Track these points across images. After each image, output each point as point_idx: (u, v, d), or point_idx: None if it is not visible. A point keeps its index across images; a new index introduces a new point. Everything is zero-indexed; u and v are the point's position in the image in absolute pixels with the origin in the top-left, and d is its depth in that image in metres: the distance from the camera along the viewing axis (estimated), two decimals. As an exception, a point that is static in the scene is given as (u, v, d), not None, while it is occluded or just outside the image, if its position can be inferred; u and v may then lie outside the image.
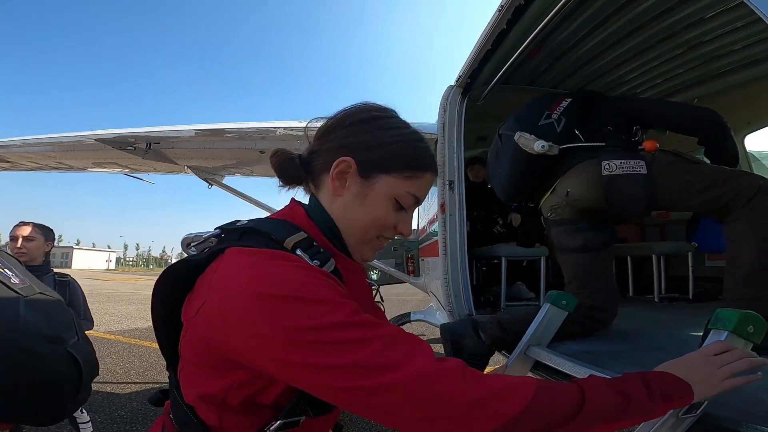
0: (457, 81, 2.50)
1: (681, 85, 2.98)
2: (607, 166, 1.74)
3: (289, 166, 0.83)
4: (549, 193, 1.98)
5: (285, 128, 3.74)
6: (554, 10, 1.73)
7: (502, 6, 1.89)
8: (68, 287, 2.61)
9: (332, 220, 0.80)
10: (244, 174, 5.72)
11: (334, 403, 0.62)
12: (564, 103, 1.93)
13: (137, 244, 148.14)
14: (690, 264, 3.23)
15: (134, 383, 4.48)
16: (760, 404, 0.97)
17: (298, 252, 0.70)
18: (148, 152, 4.48)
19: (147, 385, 4.42)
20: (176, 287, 0.73)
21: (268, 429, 0.70)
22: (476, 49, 2.18)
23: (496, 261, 3.17)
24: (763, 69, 2.74)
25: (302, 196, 0.87)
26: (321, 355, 0.58)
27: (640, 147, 1.80)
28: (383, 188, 0.78)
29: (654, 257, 3.26)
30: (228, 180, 5.73)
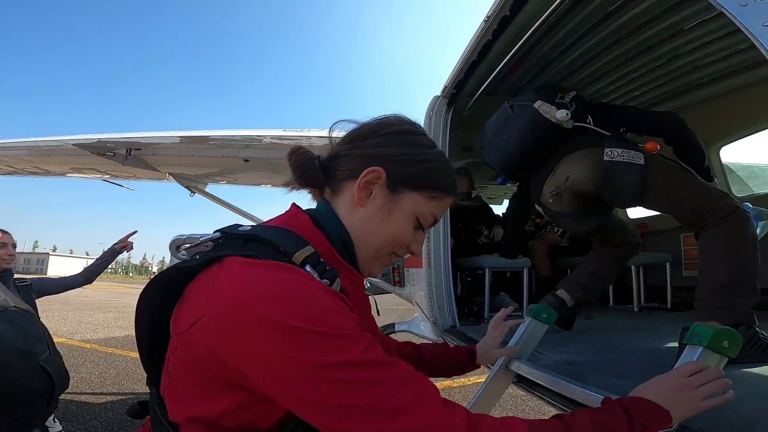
0: (442, 91, 2.53)
1: (660, 96, 3.06)
2: (610, 153, 1.84)
3: (310, 167, 0.78)
4: (550, 176, 2.05)
5: (271, 137, 3.72)
6: (538, 22, 1.78)
7: (488, 17, 1.92)
8: (31, 290, 2.58)
9: (347, 231, 0.76)
10: (227, 182, 5.66)
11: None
12: (572, 93, 2.03)
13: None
14: (668, 274, 3.33)
15: (110, 394, 4.34)
16: (737, 415, 0.99)
17: (308, 268, 0.65)
18: (128, 158, 4.41)
19: (123, 396, 4.29)
20: (165, 297, 0.67)
21: None
22: (462, 59, 2.21)
23: (480, 272, 3.19)
24: (738, 81, 2.83)
25: (301, 200, 0.83)
26: (332, 394, 0.55)
27: (641, 145, 1.90)
28: (408, 205, 0.76)
29: (633, 268, 3.34)
30: (211, 188, 5.67)
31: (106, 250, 3.31)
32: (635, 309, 3.31)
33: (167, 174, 5.15)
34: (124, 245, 3.23)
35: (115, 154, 4.34)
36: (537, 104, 1.97)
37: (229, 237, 0.70)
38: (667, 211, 1.92)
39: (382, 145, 0.76)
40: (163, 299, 0.68)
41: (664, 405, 0.69)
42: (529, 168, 2.15)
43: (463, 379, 4.98)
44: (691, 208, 1.73)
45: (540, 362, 1.57)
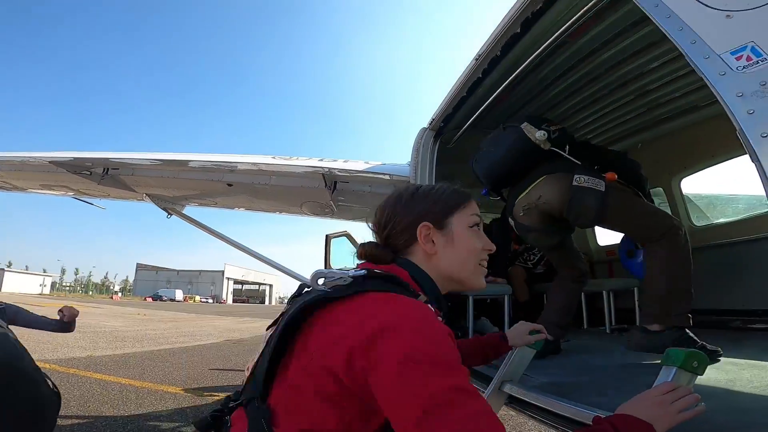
0: (430, 124, 2.67)
1: (628, 131, 3.33)
2: (578, 179, 2.15)
3: (382, 254, 0.99)
4: (524, 193, 2.35)
5: (253, 163, 3.75)
6: (526, 62, 1.96)
7: (479, 56, 2.09)
8: (4, 314, 2.39)
9: (430, 278, 0.96)
10: (206, 205, 5.60)
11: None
12: (561, 127, 2.33)
13: (76, 269, 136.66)
14: (636, 297, 3.52)
15: (76, 417, 4.08)
16: (708, 424, 1.10)
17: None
18: (105, 178, 4.31)
19: (89, 419, 4.04)
20: (304, 317, 0.83)
21: None
22: (451, 95, 2.37)
23: (461, 297, 3.29)
24: (697, 117, 3.11)
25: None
26: (439, 412, 0.65)
27: (603, 174, 2.21)
28: (459, 227, 0.99)
29: (604, 293, 3.53)
30: (188, 210, 5.60)
31: (56, 321, 2.94)
32: (607, 330, 3.48)
33: (144, 195, 5.05)
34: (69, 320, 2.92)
35: (91, 173, 4.24)
36: (523, 125, 2.26)
37: (371, 276, 0.88)
38: (620, 230, 2.28)
39: (410, 212, 1.00)
40: (302, 317, 0.83)
41: (647, 420, 0.79)
42: (509, 183, 2.43)
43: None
44: (639, 227, 2.14)
45: (529, 384, 1.66)
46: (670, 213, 3.08)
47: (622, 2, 1.79)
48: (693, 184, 3.73)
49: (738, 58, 0.79)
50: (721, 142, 3.21)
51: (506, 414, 4.19)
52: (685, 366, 0.87)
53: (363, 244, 1.02)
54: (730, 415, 1.24)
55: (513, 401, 1.54)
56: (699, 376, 0.89)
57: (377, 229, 1.05)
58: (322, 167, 3.10)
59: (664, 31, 0.94)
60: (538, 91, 2.64)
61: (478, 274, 1.01)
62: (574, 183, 2.14)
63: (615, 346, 2.79)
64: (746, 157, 2.93)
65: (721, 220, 3.73)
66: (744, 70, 0.77)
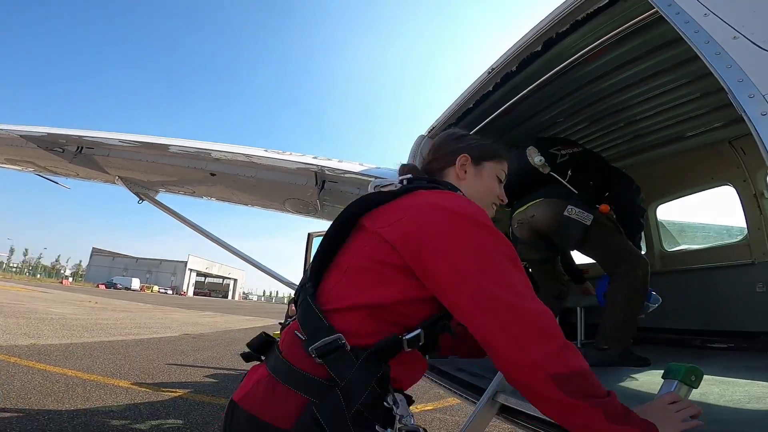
0: (429, 132, 2.69)
1: (616, 155, 3.47)
2: (570, 210, 2.40)
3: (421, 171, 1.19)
4: (521, 209, 2.60)
5: (243, 154, 3.65)
6: (539, 81, 2.02)
7: (492, 69, 2.13)
8: None
9: (460, 191, 1.10)
10: (182, 193, 5.42)
11: (470, 306, 0.83)
12: (575, 149, 2.55)
13: (26, 250, 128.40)
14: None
15: (15, 410, 3.76)
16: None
17: None
18: (77, 156, 4.12)
19: (30, 413, 3.70)
20: (363, 212, 0.98)
21: (404, 337, 0.89)
22: (456, 105, 2.40)
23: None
24: (680, 146, 3.29)
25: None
26: (493, 268, 0.84)
27: (597, 205, 2.47)
28: (489, 170, 1.19)
29: (578, 309, 3.66)
30: (162, 197, 5.40)
31: None
32: (578, 345, 3.60)
33: (117, 177, 4.84)
34: None
35: (64, 150, 4.04)
36: (528, 148, 2.46)
37: (417, 179, 1.08)
38: (593, 258, 2.57)
39: (458, 143, 1.21)
40: (361, 211, 0.99)
41: (654, 422, 0.86)
42: (512, 198, 2.58)
43: (435, 403, 5.00)
44: (609, 260, 2.45)
45: (519, 394, 1.69)
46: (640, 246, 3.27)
47: (657, 26, 1.84)
48: (667, 211, 3.94)
49: None
50: (699, 173, 3.40)
51: (499, 425, 4.23)
52: (685, 380, 0.95)
53: (405, 164, 1.18)
54: (710, 426, 1.31)
55: (505, 411, 1.56)
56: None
57: (430, 151, 1.24)
58: (316, 165, 3.06)
59: (710, 66, 0.98)
60: (540, 109, 2.72)
61: (488, 211, 1.15)
62: (565, 213, 2.39)
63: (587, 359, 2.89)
64: (719, 189, 3.12)
65: (689, 247, 3.94)
66: None
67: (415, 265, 0.87)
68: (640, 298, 2.35)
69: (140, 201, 5.20)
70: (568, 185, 2.47)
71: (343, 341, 0.85)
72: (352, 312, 0.89)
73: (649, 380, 2.06)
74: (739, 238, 3.39)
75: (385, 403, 0.86)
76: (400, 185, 1.05)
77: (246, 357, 1.04)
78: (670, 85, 2.47)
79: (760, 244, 3.12)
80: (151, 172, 4.53)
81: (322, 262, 0.99)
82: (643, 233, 3.91)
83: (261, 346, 1.02)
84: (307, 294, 0.95)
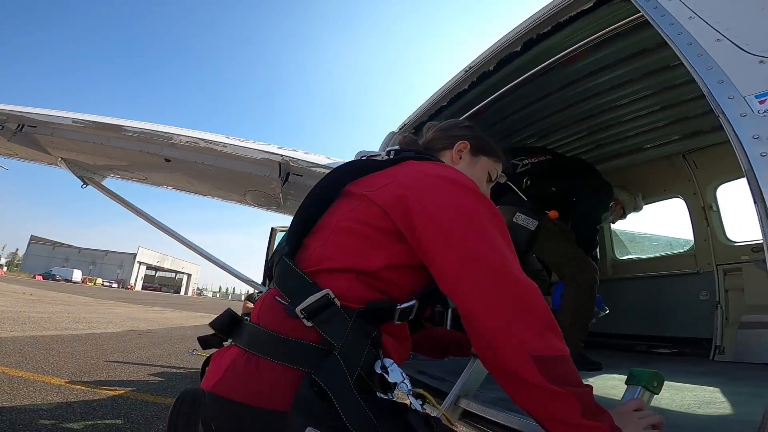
0: (400, 129, 2.64)
1: (604, 156, 3.53)
2: (517, 216, 2.56)
3: (414, 144, 1.22)
4: None
5: (203, 139, 3.44)
6: (515, 81, 2.00)
7: (469, 67, 2.10)
8: None
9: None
10: (132, 179, 5.08)
11: (456, 267, 0.78)
12: (541, 158, 2.63)
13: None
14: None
15: None
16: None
17: None
18: (17, 134, 3.77)
19: None
20: (350, 178, 0.96)
21: (398, 306, 0.85)
22: (429, 103, 2.36)
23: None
24: (637, 158, 3.40)
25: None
26: (481, 231, 0.80)
27: (546, 211, 2.61)
28: (483, 164, 1.20)
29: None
30: (108, 181, 5.04)
31: None
32: None
33: (59, 159, 4.48)
34: None
35: (3, 127, 3.68)
36: None
37: (405, 151, 1.08)
38: (545, 261, 2.74)
39: (462, 131, 1.22)
40: (350, 178, 0.97)
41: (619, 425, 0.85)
42: None
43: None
44: (555, 263, 2.63)
45: (482, 399, 1.67)
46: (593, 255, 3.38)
47: (644, 29, 1.83)
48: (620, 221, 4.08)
49: (762, 102, 0.84)
50: (653, 184, 3.56)
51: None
52: (648, 386, 0.95)
53: (405, 135, 1.26)
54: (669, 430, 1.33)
55: (467, 416, 1.53)
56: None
57: (434, 131, 1.25)
58: (281, 155, 2.92)
59: (691, 68, 0.98)
60: (513, 111, 2.72)
61: None
62: (514, 219, 2.56)
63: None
64: (671, 201, 3.25)
65: (640, 256, 4.12)
66: (765, 114, 0.82)
67: (404, 227, 0.84)
68: (588, 303, 2.45)
69: (84, 185, 4.85)
70: (520, 193, 2.62)
71: (333, 297, 0.79)
72: (340, 274, 0.84)
73: (602, 384, 2.11)
74: (686, 248, 3.57)
75: (377, 370, 0.80)
76: (387, 157, 1.05)
77: (204, 342, 0.94)
78: (635, 96, 2.54)
79: (705, 254, 3.29)
80: (99, 155, 4.21)
81: (304, 225, 0.95)
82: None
83: (228, 324, 0.90)
84: (284, 255, 0.89)
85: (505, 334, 0.74)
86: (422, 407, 0.81)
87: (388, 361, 0.81)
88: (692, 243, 3.45)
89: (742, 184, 3.17)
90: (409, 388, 0.81)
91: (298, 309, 0.78)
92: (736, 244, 3.12)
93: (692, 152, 3.29)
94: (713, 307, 3.08)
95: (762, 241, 0.77)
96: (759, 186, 0.76)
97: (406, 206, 0.84)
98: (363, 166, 0.98)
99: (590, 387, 0.80)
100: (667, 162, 3.45)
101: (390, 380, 0.79)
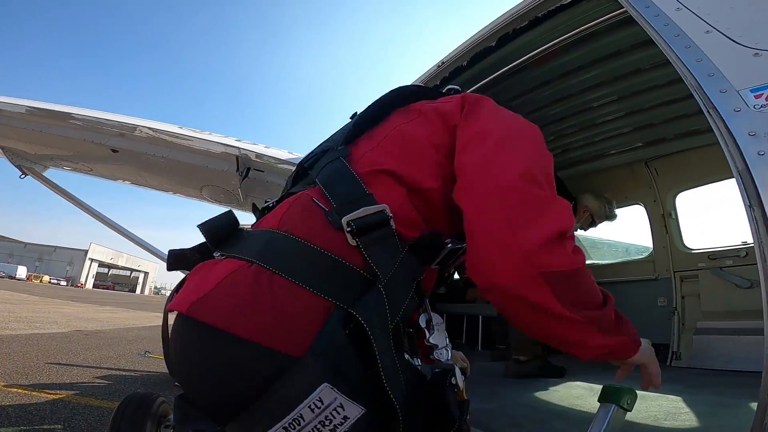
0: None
1: (569, 161, 3.53)
2: None
3: None
4: None
5: (151, 128, 3.21)
6: (487, 78, 1.97)
7: (442, 62, 2.04)
8: None
9: None
10: (78, 170, 4.73)
11: (478, 163, 0.69)
12: None
13: None
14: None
15: None
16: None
17: None
18: (-49, 120, 3.39)
19: None
20: (414, 99, 0.89)
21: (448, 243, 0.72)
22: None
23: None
24: (600, 164, 3.43)
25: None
26: (525, 142, 0.76)
27: None
28: None
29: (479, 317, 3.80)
30: (51, 172, 4.68)
31: None
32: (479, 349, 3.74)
33: (-5, 145, 4.10)
34: None
35: (-73, 111, 3.29)
36: None
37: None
38: None
39: None
40: (406, 98, 0.89)
41: None
42: None
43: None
44: None
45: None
46: None
47: (619, 29, 1.82)
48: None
49: (757, 96, 0.78)
50: (615, 191, 3.60)
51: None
52: (621, 403, 0.93)
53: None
54: None
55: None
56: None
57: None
58: (238, 148, 2.73)
59: (678, 61, 0.91)
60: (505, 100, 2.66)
61: None
62: None
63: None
64: (632, 208, 3.28)
65: (599, 262, 4.18)
66: (762, 109, 0.76)
67: (461, 119, 0.79)
68: None
69: (23, 176, 4.51)
70: None
71: (389, 216, 0.64)
72: (391, 186, 0.70)
73: (566, 393, 2.20)
74: (645, 255, 3.64)
75: (421, 323, 0.67)
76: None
77: (177, 256, 0.72)
78: (605, 99, 2.54)
79: (663, 261, 3.35)
80: (39, 144, 3.88)
81: (359, 128, 0.84)
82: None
83: (228, 228, 0.68)
84: (341, 155, 0.75)
85: (510, 245, 0.62)
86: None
87: (436, 317, 0.68)
88: (651, 250, 3.51)
89: (697, 192, 3.32)
90: (448, 358, 0.67)
91: (345, 219, 0.61)
92: (694, 252, 3.19)
93: (654, 159, 3.34)
94: (670, 313, 3.14)
95: (755, 247, 0.70)
96: (756, 188, 0.69)
97: (468, 111, 0.80)
98: (429, 92, 0.97)
99: (610, 298, 0.73)
100: (629, 169, 3.49)
101: (431, 341, 0.65)
